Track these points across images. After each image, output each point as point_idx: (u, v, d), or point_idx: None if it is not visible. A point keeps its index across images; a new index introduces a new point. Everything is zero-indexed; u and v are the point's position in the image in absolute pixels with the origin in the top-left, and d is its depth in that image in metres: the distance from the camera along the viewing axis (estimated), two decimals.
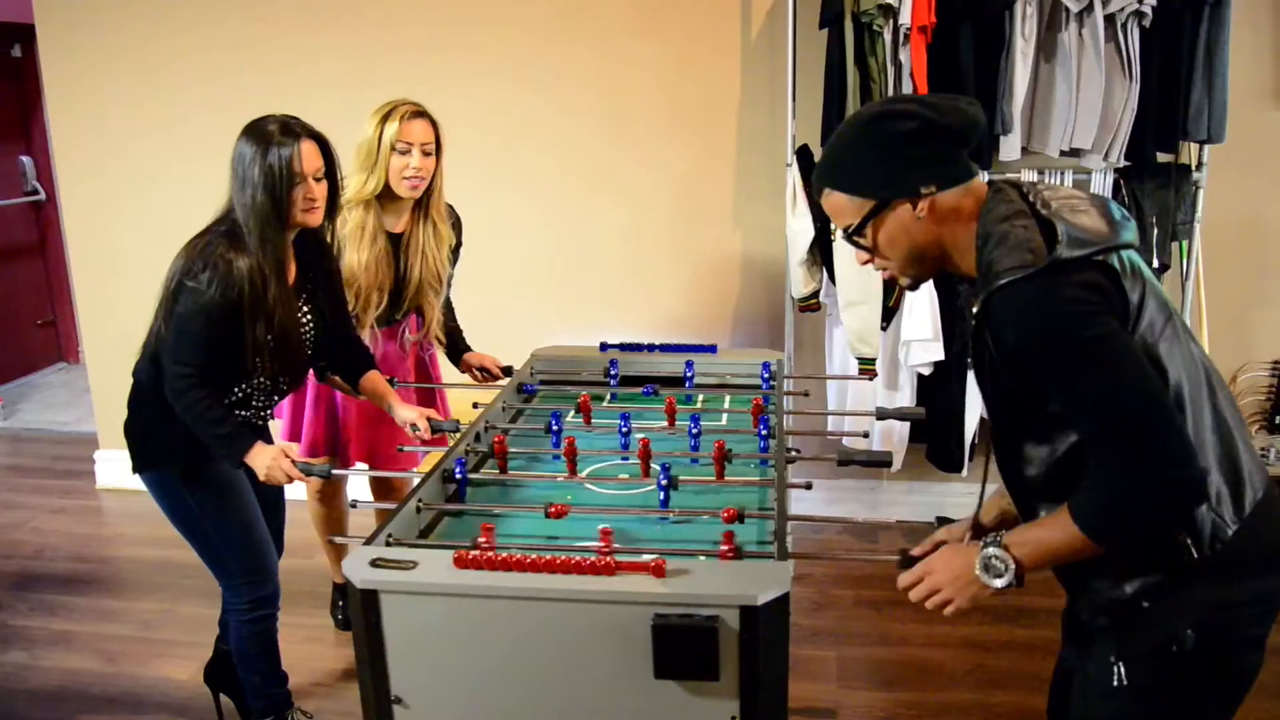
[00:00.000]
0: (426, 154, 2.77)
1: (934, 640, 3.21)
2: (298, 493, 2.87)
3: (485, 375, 3.07)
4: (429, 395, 3.16)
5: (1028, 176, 3.38)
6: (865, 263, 1.66)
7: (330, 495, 3.22)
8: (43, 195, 6.38)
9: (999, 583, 1.51)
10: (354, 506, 2.45)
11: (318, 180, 2.33)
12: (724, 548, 1.79)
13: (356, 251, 2.79)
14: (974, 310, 1.54)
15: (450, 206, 3.01)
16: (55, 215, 5.77)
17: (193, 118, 4.16)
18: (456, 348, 3.13)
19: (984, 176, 1.66)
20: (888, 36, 3.27)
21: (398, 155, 2.74)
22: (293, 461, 2.34)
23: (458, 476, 2.15)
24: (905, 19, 3.20)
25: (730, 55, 3.84)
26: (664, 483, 2.05)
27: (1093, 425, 1.43)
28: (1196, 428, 1.48)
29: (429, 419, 2.56)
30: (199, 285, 2.24)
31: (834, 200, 1.61)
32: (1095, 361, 1.40)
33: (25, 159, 6.34)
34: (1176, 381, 1.47)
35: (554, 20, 3.91)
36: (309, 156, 2.30)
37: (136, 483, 2.51)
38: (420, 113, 2.77)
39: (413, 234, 2.89)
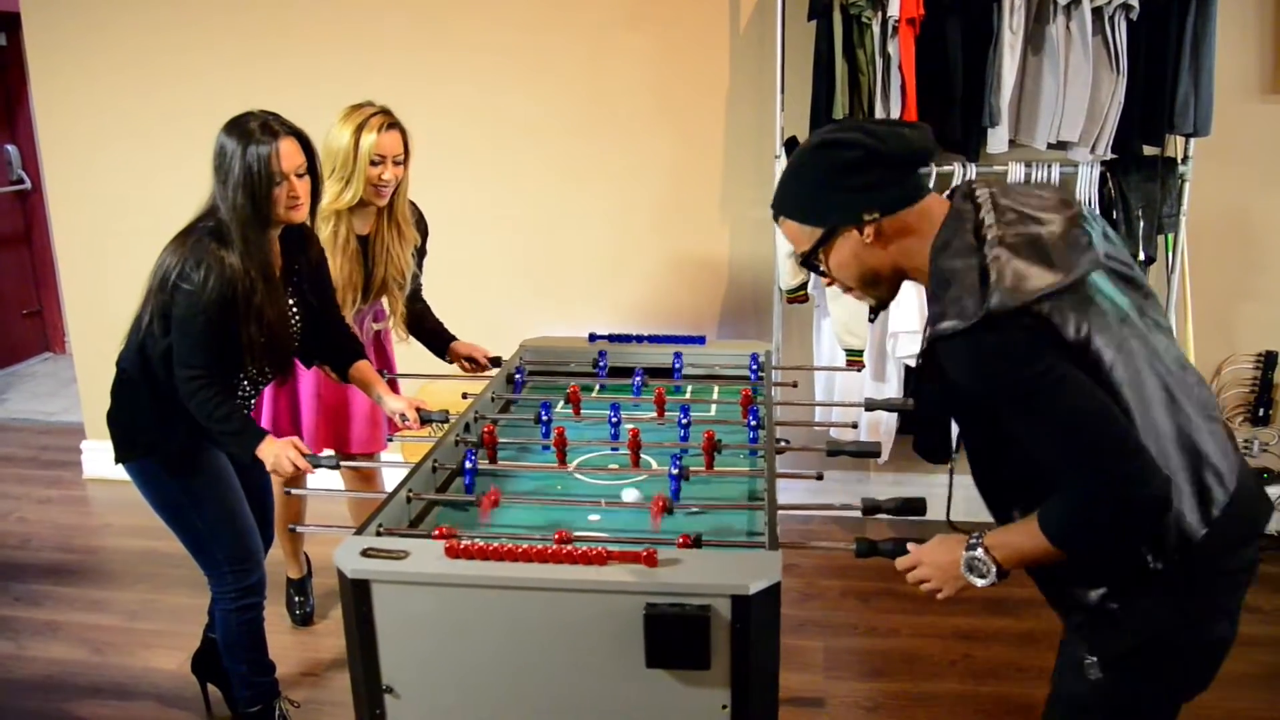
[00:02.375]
0: (397, 164, 2.81)
1: (920, 631, 3.23)
2: (324, 483, 2.85)
3: (473, 365, 3.07)
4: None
5: (1015, 169, 3.39)
6: (828, 285, 1.70)
7: (292, 486, 3.20)
8: (28, 184, 6.35)
9: (981, 583, 1.58)
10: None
11: (299, 177, 2.32)
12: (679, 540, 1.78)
13: (333, 258, 2.81)
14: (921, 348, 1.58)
15: (414, 204, 3.03)
16: (41, 204, 5.75)
17: (180, 108, 4.14)
18: (442, 339, 3.13)
19: (957, 173, 1.63)
20: (876, 28, 3.28)
21: (371, 166, 2.76)
22: (300, 453, 2.35)
23: (467, 466, 2.15)
24: (894, 11, 3.21)
25: (718, 47, 3.84)
26: (674, 472, 2.06)
27: (1051, 455, 1.45)
28: (1154, 443, 1.45)
29: (418, 409, 2.57)
30: (194, 286, 2.23)
31: (788, 227, 1.65)
32: (1040, 399, 1.42)
33: (11, 148, 6.30)
34: (1124, 404, 1.45)
35: (541, 12, 3.90)
36: (289, 155, 2.28)
37: (123, 472, 2.50)
38: (394, 123, 2.80)
39: (379, 235, 2.92)
